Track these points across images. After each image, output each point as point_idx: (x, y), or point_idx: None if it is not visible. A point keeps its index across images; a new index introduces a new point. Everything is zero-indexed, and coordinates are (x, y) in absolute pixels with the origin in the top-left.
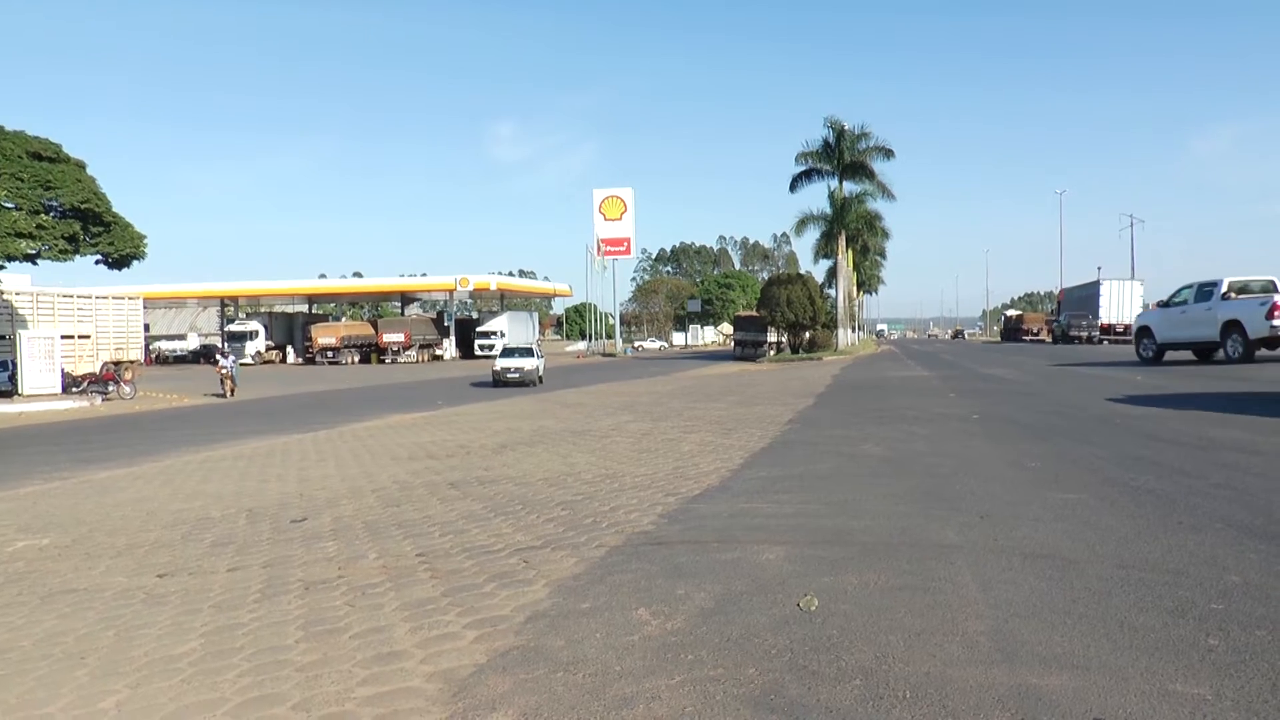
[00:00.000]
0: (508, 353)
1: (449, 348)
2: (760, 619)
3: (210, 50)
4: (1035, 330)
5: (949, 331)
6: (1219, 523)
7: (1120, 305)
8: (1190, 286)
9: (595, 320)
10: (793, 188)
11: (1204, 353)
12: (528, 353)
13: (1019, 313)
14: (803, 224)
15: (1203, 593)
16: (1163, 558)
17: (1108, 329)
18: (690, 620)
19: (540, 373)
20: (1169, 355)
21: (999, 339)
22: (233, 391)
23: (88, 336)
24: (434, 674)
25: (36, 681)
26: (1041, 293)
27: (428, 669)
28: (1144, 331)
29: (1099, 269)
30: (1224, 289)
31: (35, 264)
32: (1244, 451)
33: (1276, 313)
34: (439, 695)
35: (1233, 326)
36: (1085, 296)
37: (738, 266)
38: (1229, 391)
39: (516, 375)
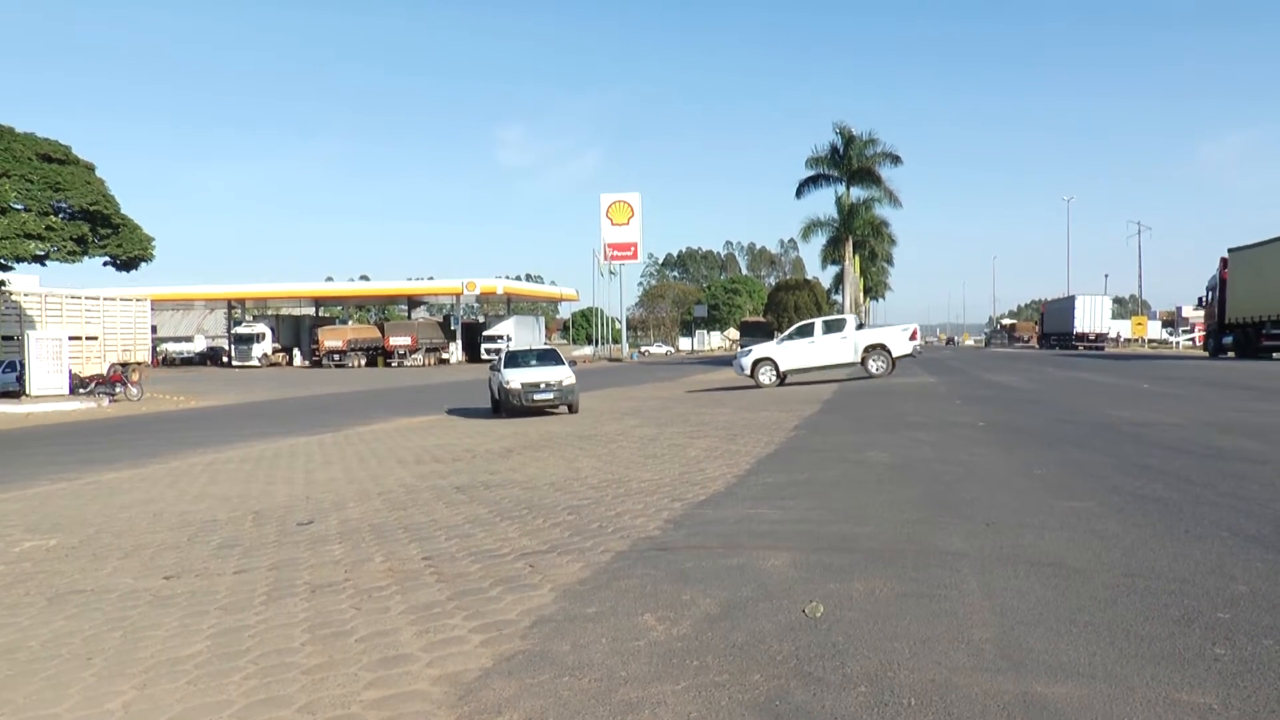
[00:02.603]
0: (514, 359)
1: (455, 351)
2: (766, 625)
3: (218, 53)
4: (1026, 337)
5: (946, 338)
6: (1226, 532)
7: (1092, 317)
8: (811, 324)
9: (601, 325)
10: (799, 193)
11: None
12: (550, 357)
13: (1013, 321)
14: (810, 229)
15: (1209, 602)
16: (1169, 566)
17: (1081, 337)
18: (696, 626)
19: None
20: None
21: (983, 344)
22: None
23: (95, 338)
24: (440, 677)
25: (44, 682)
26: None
27: (433, 672)
28: (764, 362)
29: (1105, 277)
30: (855, 324)
31: (44, 265)
32: (1251, 461)
33: (915, 336)
34: (444, 699)
35: (876, 349)
36: (1063, 309)
37: (744, 272)
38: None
39: (551, 396)
